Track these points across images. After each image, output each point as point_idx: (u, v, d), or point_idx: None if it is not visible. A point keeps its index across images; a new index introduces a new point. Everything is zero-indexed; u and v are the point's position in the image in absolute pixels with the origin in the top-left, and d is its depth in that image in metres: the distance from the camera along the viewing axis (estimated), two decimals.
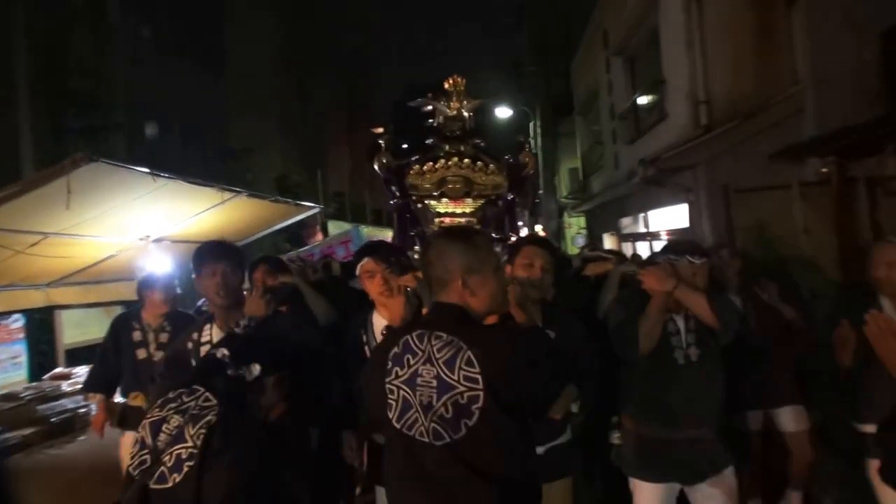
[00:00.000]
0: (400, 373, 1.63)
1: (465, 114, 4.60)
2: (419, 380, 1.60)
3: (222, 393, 1.64)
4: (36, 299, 5.66)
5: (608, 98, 11.29)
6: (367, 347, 2.59)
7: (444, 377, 1.58)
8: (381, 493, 2.50)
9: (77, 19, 13.22)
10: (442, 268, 1.71)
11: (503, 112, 17.75)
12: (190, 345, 2.56)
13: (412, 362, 1.62)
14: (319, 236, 10.62)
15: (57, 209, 4.33)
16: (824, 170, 5.41)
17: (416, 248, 4.32)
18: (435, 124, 4.72)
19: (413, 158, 4.42)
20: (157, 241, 5.91)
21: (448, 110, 4.48)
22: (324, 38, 27.54)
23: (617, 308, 2.73)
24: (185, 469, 1.48)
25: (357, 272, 2.66)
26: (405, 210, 4.38)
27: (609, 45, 10.74)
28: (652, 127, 8.74)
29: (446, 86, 4.58)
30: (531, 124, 18.18)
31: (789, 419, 3.43)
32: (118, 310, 5.44)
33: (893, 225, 4.92)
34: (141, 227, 5.60)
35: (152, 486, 1.49)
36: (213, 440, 1.52)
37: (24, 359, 6.05)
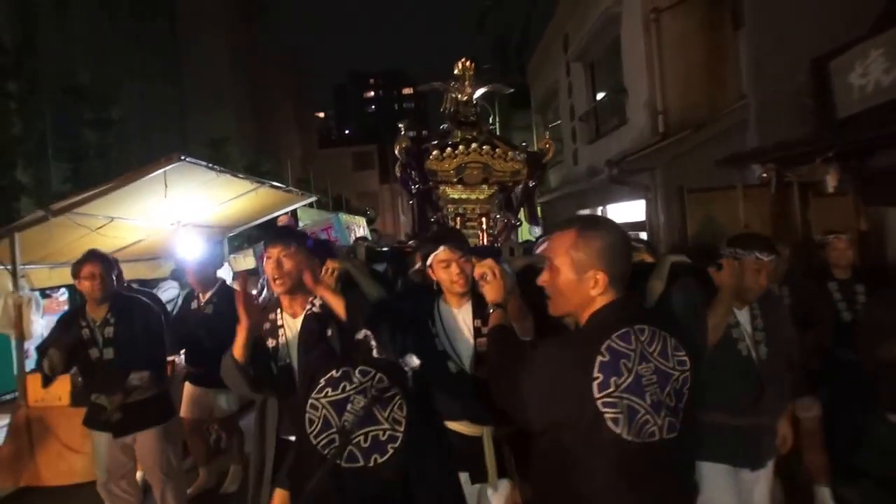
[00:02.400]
0: (618, 381, 1.51)
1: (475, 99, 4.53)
2: (643, 380, 1.52)
3: (387, 372, 1.63)
4: (40, 278, 5.92)
5: (568, 99, 11.89)
6: (437, 339, 2.54)
7: (662, 368, 1.55)
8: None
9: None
10: (629, 260, 1.68)
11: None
12: (268, 325, 2.60)
13: (629, 365, 1.52)
14: (291, 223, 10.94)
15: (135, 197, 5.16)
16: (764, 175, 6.20)
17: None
18: (448, 110, 4.61)
19: (432, 144, 4.31)
20: (185, 225, 6.55)
21: (461, 95, 4.38)
22: (271, 32, 27.78)
23: (679, 299, 2.65)
24: (390, 450, 1.49)
25: (428, 261, 2.58)
26: (425, 195, 4.29)
27: (570, 50, 11.31)
28: (612, 130, 9.44)
29: (456, 70, 4.45)
30: (489, 118, 18.71)
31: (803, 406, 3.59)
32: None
33: (821, 222, 5.69)
34: (174, 213, 6.15)
35: (344, 464, 1.50)
36: (412, 426, 1.53)
37: None
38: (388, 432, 1.51)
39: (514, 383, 1.69)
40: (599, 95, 10.76)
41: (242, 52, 23.54)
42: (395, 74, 79.11)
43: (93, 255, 3.50)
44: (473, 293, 2.53)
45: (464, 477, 2.36)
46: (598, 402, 1.48)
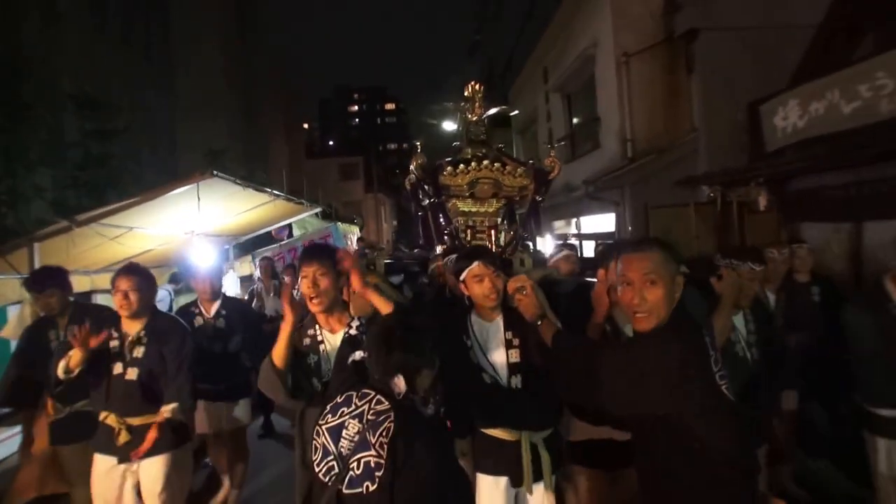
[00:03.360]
0: (717, 363, 1.77)
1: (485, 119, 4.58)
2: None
3: (388, 393, 1.63)
4: (83, 284, 5.93)
5: (546, 124, 13.07)
6: (471, 352, 2.55)
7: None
8: (481, 481, 2.48)
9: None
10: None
11: (450, 126, 19.67)
12: (308, 341, 2.58)
13: (717, 357, 1.80)
14: (286, 231, 10.99)
15: (158, 208, 5.21)
16: (711, 195, 7.16)
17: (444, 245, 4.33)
18: (459, 129, 4.76)
19: (446, 160, 4.34)
20: (198, 234, 6.60)
21: (471, 115, 4.45)
22: (261, 45, 27.85)
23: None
24: (378, 478, 1.51)
25: (462, 276, 2.59)
26: (439, 209, 4.31)
27: (549, 81, 12.48)
28: (587, 153, 10.65)
29: (466, 93, 4.51)
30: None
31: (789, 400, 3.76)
32: None
33: (755, 235, 6.64)
34: (188, 223, 6.17)
35: (345, 490, 1.53)
36: (396, 448, 1.54)
37: None
38: (375, 460, 1.53)
39: (599, 380, 1.82)
40: (576, 120, 11.92)
41: (234, 64, 23.64)
42: (378, 90, 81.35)
43: (131, 270, 3.21)
44: (504, 307, 2.58)
45: (504, 481, 2.46)
46: (717, 376, 1.73)
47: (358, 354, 1.83)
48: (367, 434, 1.54)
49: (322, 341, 2.56)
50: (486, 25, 15.27)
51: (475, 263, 2.55)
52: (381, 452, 1.52)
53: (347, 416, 1.58)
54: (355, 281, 2.43)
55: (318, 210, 9.38)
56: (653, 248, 1.86)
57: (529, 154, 15.01)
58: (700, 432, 1.67)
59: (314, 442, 1.62)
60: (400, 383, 1.62)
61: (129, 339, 3.11)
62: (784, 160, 6.01)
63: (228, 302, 4.39)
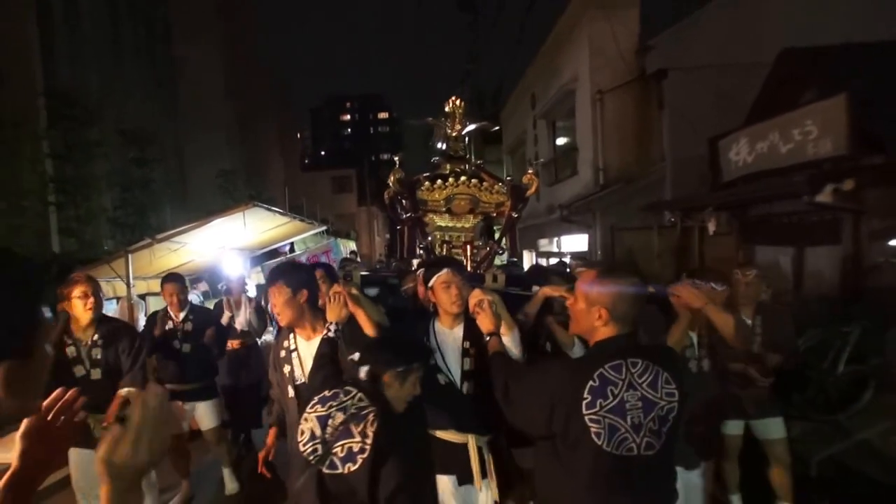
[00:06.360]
0: (603, 403, 1.73)
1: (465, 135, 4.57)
2: (627, 405, 1.73)
3: (368, 391, 1.87)
4: (141, 287, 7.14)
5: (534, 147, 13.76)
6: (434, 354, 2.66)
7: (649, 397, 1.76)
8: (442, 482, 2.52)
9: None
10: (634, 305, 1.88)
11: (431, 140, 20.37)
12: (283, 353, 2.77)
13: (615, 391, 1.74)
14: (287, 246, 11.35)
15: (206, 228, 6.33)
16: (672, 220, 7.78)
17: (419, 259, 4.44)
18: (438, 144, 4.90)
19: (424, 175, 4.36)
20: (230, 249, 7.69)
21: (451, 131, 4.44)
22: (257, 58, 28.08)
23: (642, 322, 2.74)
24: (360, 461, 1.70)
25: (430, 283, 2.72)
26: (416, 224, 4.35)
27: (536, 107, 13.18)
28: (567, 178, 11.37)
29: (447, 108, 4.49)
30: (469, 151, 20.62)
31: (769, 429, 3.53)
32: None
33: (711, 255, 7.34)
34: (221, 239, 7.24)
35: (325, 470, 1.72)
36: (381, 439, 1.73)
37: None
38: (359, 445, 1.72)
39: (519, 400, 1.94)
40: (560, 143, 12.60)
41: (233, 78, 23.90)
42: (370, 98, 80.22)
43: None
44: (466, 316, 2.65)
45: (452, 479, 2.60)
46: (585, 418, 1.72)
47: (357, 356, 2.01)
48: (352, 425, 1.75)
49: (295, 349, 2.73)
50: (478, 48, 16.20)
51: (444, 270, 2.70)
52: (363, 440, 1.72)
53: (334, 409, 1.79)
54: (351, 306, 2.55)
55: (324, 228, 10.03)
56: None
57: (519, 174, 15.18)
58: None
59: (301, 426, 1.83)
60: (362, 370, 1.93)
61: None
62: (730, 192, 6.69)
63: (195, 308, 4.73)
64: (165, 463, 4.25)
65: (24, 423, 1.13)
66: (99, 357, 3.38)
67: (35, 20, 9.45)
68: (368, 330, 2.52)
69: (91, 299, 3.35)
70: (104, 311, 3.69)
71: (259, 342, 5.84)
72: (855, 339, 4.92)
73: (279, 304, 2.62)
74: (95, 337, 3.41)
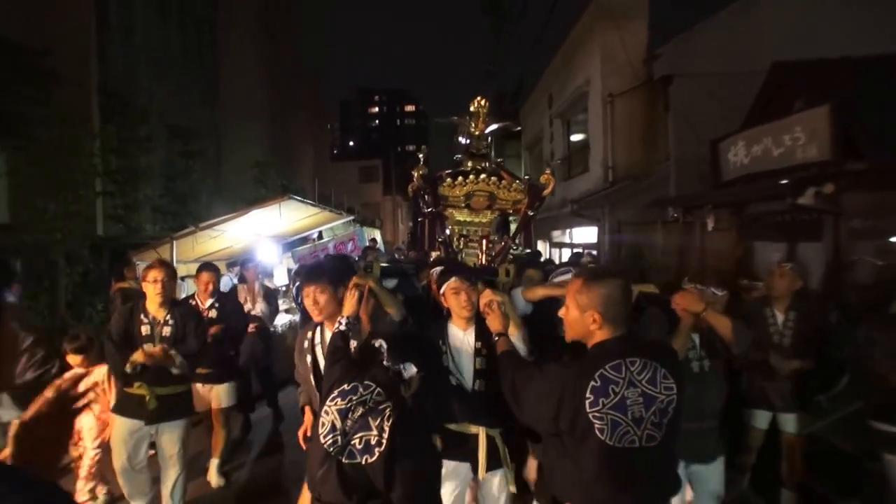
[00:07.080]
0: (605, 401, 1.82)
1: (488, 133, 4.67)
2: (628, 401, 1.82)
3: (386, 386, 1.92)
4: (181, 271, 6.89)
5: (549, 144, 14.39)
6: (444, 356, 2.75)
7: (649, 393, 1.85)
8: (445, 465, 2.55)
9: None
10: (625, 306, 1.96)
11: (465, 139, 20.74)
12: (306, 343, 2.85)
13: (616, 390, 1.82)
14: (315, 233, 11.64)
15: (239, 218, 6.82)
16: (675, 215, 8.18)
17: (439, 251, 4.52)
18: (463, 142, 4.78)
19: (446, 172, 4.49)
20: (265, 237, 8.22)
21: (475, 130, 4.55)
22: (294, 50, 27.93)
23: (647, 325, 2.89)
24: (377, 453, 1.77)
25: (442, 290, 2.85)
26: (436, 218, 4.48)
27: (553, 107, 13.76)
28: (580, 174, 11.94)
29: (472, 108, 4.60)
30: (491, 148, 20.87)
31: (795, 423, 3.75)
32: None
33: (712, 250, 7.60)
34: (256, 227, 7.80)
35: (345, 460, 1.80)
36: (397, 434, 1.80)
37: None
38: (376, 438, 1.78)
39: (528, 399, 2.03)
40: (574, 141, 13.07)
41: (271, 70, 23.81)
42: (398, 92, 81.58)
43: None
44: (478, 317, 2.76)
45: (465, 466, 2.74)
46: (589, 416, 1.82)
47: (379, 343, 2.05)
48: (370, 418, 1.81)
49: (319, 343, 2.81)
50: (501, 48, 16.60)
51: (453, 279, 2.81)
52: (381, 433, 1.77)
53: (354, 402, 1.86)
54: (364, 310, 2.70)
55: (351, 218, 10.65)
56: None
57: (536, 169, 16.06)
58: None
59: (322, 418, 1.90)
60: (410, 368, 1.98)
61: (158, 322, 3.58)
62: (728, 191, 7.09)
63: (222, 297, 4.87)
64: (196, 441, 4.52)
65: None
66: (168, 335, 3.57)
67: (95, 26, 10.11)
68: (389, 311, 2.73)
69: (160, 284, 3.53)
70: None
71: (270, 329, 6.03)
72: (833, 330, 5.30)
73: (322, 301, 2.73)
74: (167, 317, 3.60)
